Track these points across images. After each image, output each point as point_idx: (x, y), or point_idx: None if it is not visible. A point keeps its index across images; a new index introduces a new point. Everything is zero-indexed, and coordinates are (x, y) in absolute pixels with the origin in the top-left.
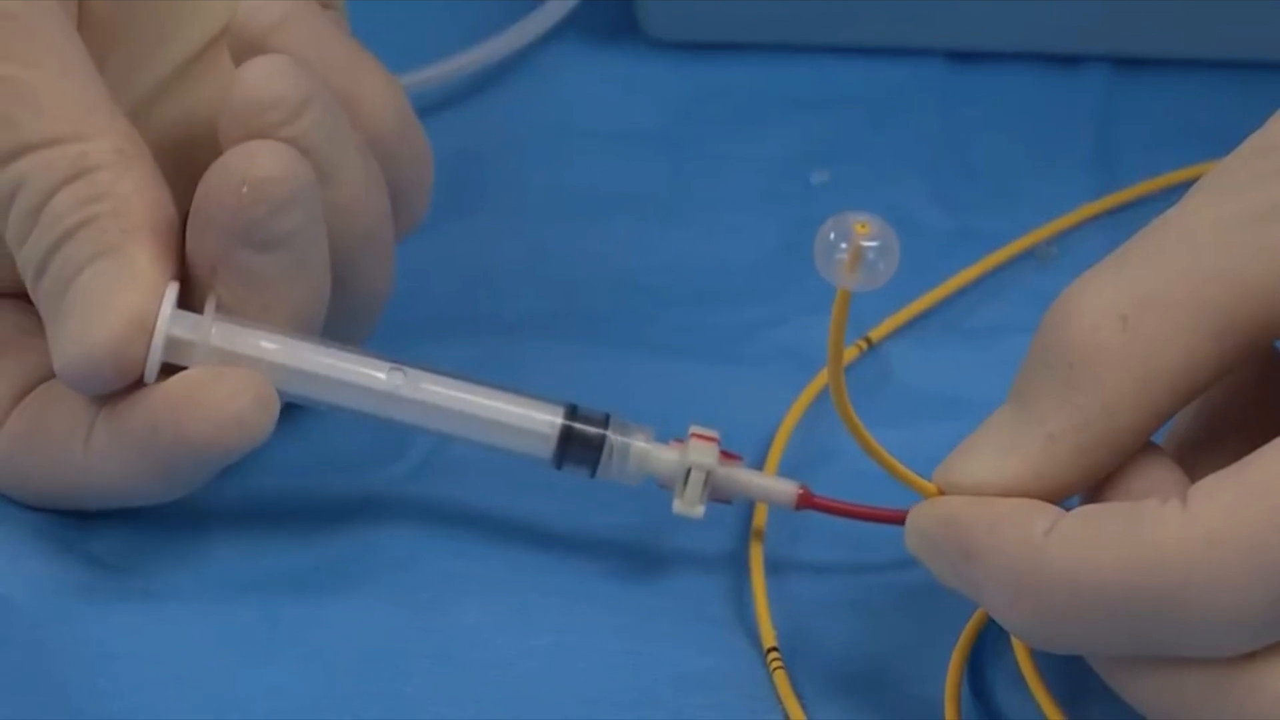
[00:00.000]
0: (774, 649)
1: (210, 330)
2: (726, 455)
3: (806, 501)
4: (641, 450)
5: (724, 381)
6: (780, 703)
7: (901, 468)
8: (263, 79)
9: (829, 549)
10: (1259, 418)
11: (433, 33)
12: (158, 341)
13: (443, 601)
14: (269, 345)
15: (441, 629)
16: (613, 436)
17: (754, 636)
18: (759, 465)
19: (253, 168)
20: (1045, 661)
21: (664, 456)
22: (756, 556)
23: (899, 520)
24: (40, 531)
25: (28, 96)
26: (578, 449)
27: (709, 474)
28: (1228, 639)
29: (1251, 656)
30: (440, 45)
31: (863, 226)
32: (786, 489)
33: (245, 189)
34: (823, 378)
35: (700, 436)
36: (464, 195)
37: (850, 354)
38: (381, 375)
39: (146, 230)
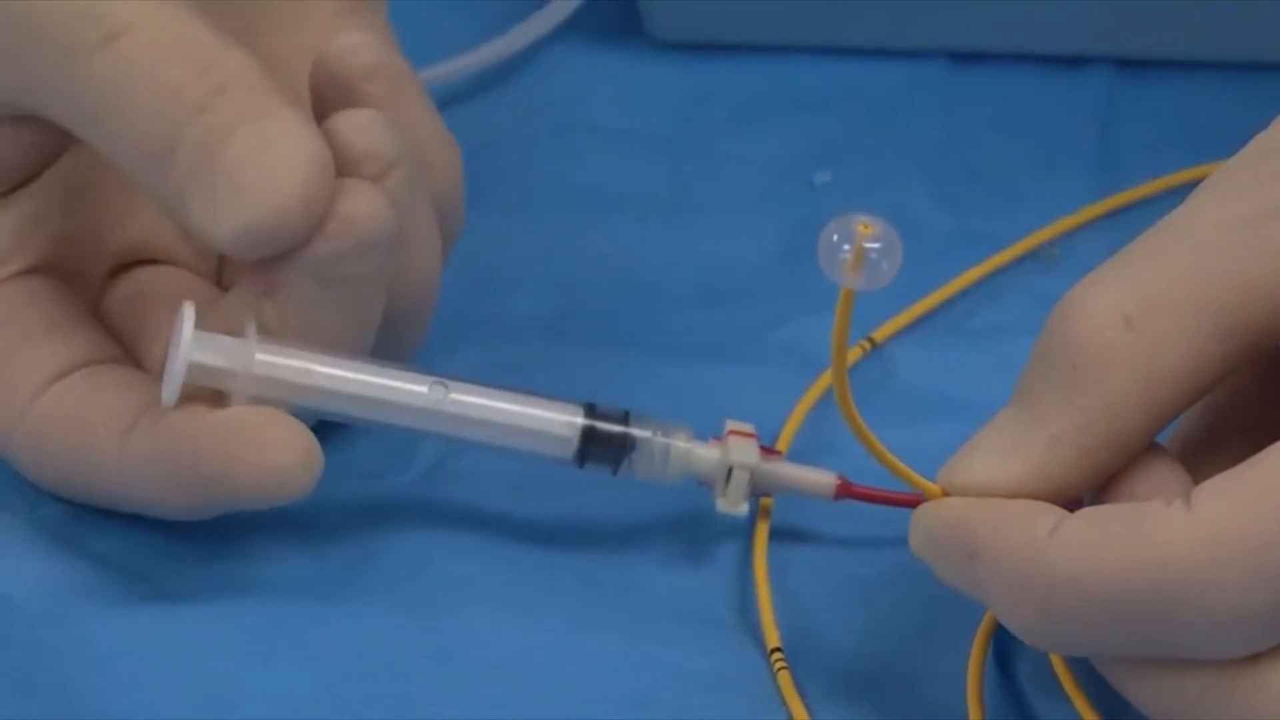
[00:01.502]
0: (777, 649)
1: (253, 359)
2: (766, 450)
3: (845, 491)
4: (683, 450)
5: (726, 381)
6: (784, 703)
7: (905, 468)
8: (358, 132)
9: (832, 549)
10: (1262, 419)
11: (435, 32)
12: (179, 366)
13: (444, 603)
14: (311, 374)
15: (443, 630)
16: (655, 438)
17: (757, 636)
18: None
19: (345, 203)
20: (1078, 662)
21: (706, 455)
22: (760, 556)
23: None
24: (41, 531)
25: None
26: (600, 448)
27: (751, 472)
28: (1231, 640)
29: (1255, 658)
30: (443, 45)
31: (866, 227)
32: (825, 480)
33: (332, 223)
34: (826, 378)
35: (738, 433)
36: (466, 194)
37: (853, 355)
38: (424, 390)
39: (282, 95)
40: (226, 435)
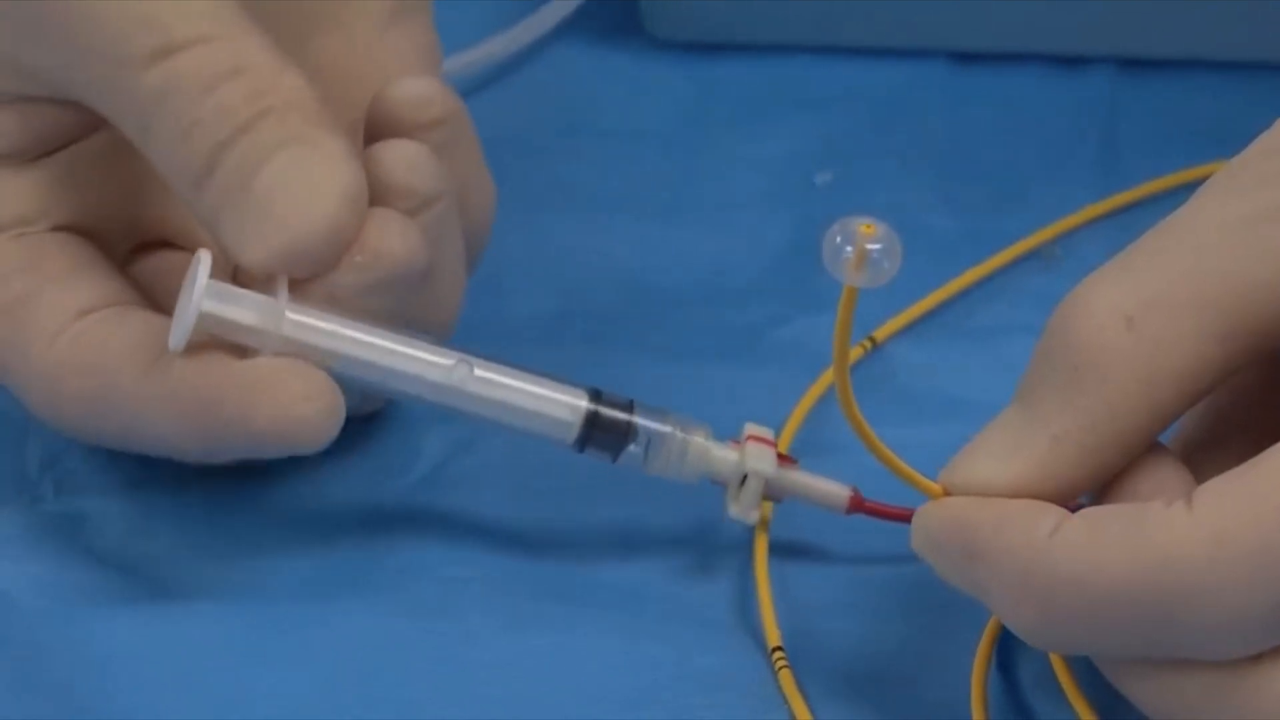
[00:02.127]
0: (779, 648)
1: (284, 317)
2: (782, 458)
3: (857, 505)
4: (701, 448)
5: (728, 381)
6: (786, 702)
7: (906, 468)
8: (401, 165)
9: (834, 548)
10: (1265, 419)
11: (437, 31)
12: (189, 318)
13: (445, 605)
14: (338, 337)
15: (443, 631)
16: (675, 433)
17: (758, 636)
18: None
19: (376, 236)
20: (1079, 661)
21: (723, 457)
22: (761, 555)
23: None
24: (42, 530)
25: (170, 2)
26: (603, 434)
27: (766, 481)
28: (1232, 641)
29: (1256, 659)
30: (444, 43)
31: (867, 228)
32: (839, 492)
33: (361, 255)
34: (826, 377)
35: (757, 439)
36: None
37: (855, 354)
38: (450, 363)
39: (327, 122)
40: (250, 380)
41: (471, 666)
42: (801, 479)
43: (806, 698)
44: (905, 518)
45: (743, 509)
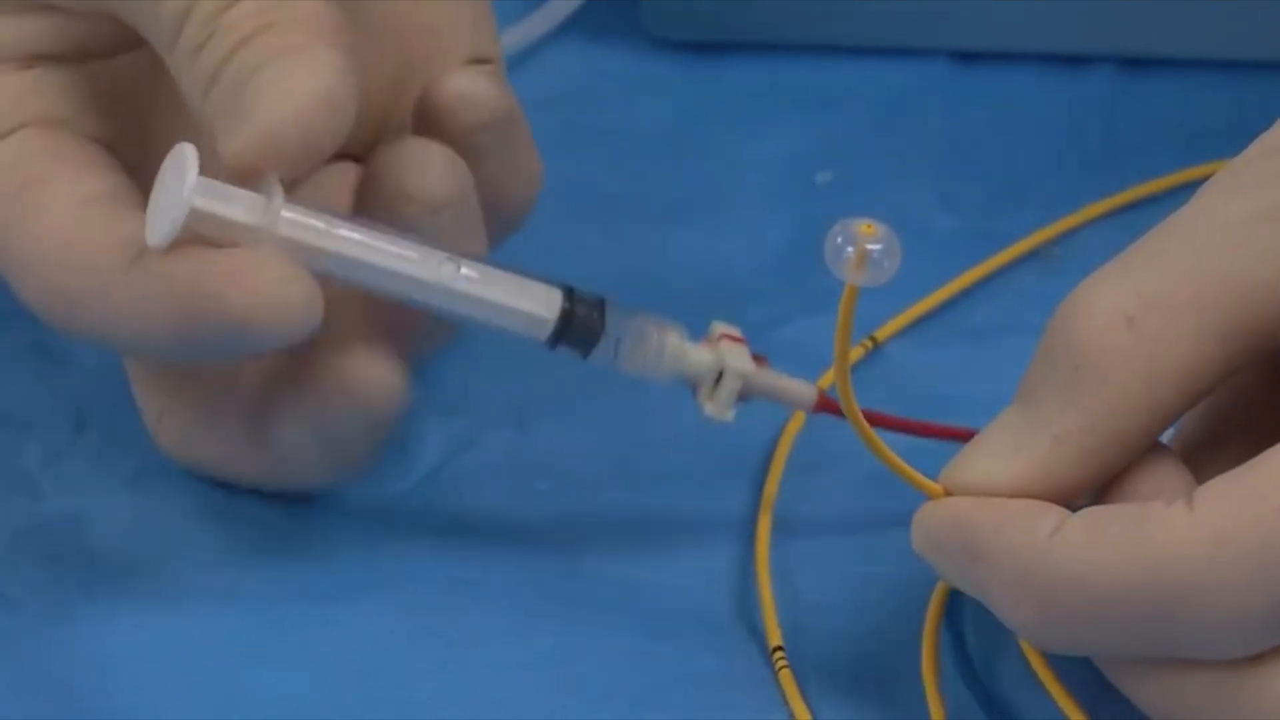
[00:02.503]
0: (779, 648)
1: (279, 217)
2: (755, 357)
3: (824, 405)
4: (676, 346)
5: None
6: (786, 702)
7: (907, 467)
8: (418, 173)
9: (835, 547)
10: (1265, 419)
11: None
12: (179, 213)
13: (446, 606)
14: (334, 237)
15: (445, 633)
16: (650, 329)
17: (759, 636)
18: (764, 464)
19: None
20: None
21: (699, 357)
22: (762, 554)
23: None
24: (41, 530)
25: None
26: (578, 333)
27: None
28: (1232, 641)
29: (1257, 659)
30: None
31: (868, 229)
32: (807, 391)
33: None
34: (827, 377)
35: (730, 337)
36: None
37: (855, 353)
38: (436, 261)
39: (330, 37)
40: (229, 265)
41: (472, 667)
42: (771, 378)
43: (807, 697)
44: (872, 421)
45: (718, 407)
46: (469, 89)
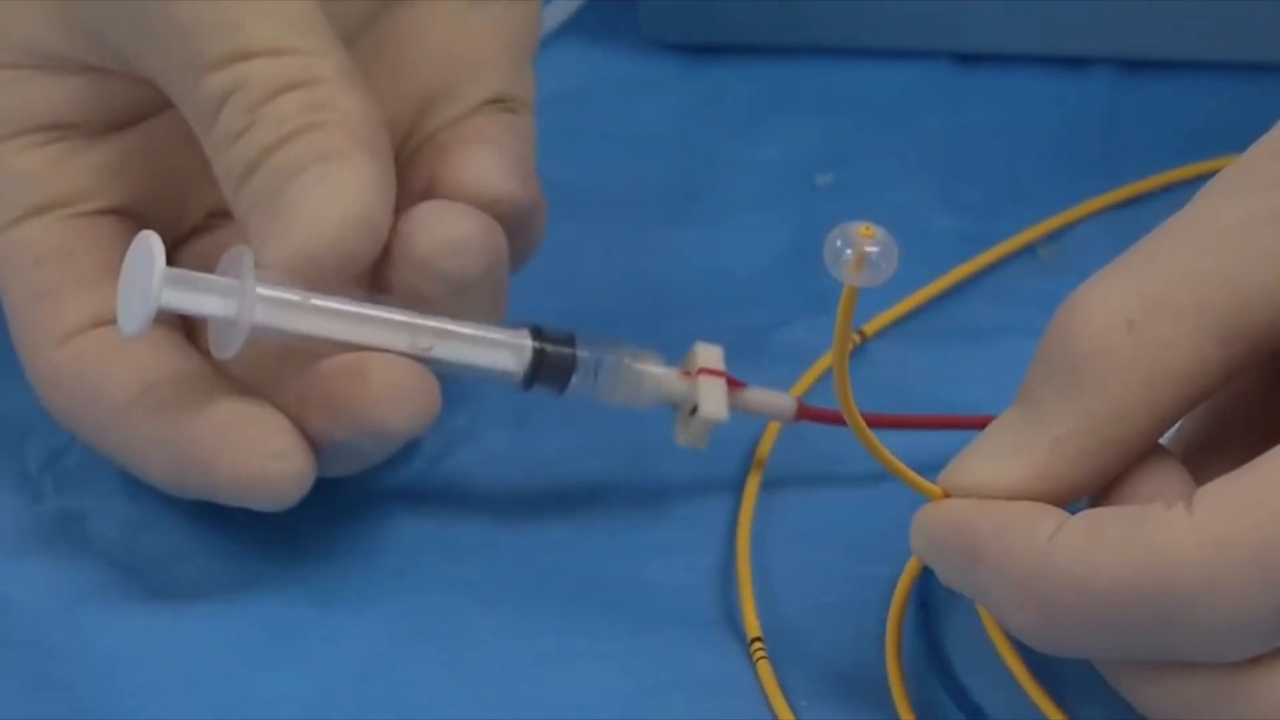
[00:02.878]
0: (757, 639)
1: (255, 307)
2: (733, 383)
3: (804, 413)
4: (654, 377)
5: None
6: (764, 696)
7: (905, 469)
8: (444, 254)
9: (826, 545)
10: (1266, 422)
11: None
12: (150, 307)
13: (444, 606)
14: (307, 313)
15: (442, 633)
16: (628, 363)
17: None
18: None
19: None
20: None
21: (678, 388)
22: (743, 549)
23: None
24: (43, 532)
25: (253, 5)
26: (550, 371)
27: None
28: (1232, 644)
29: (1256, 662)
30: None
31: (866, 231)
32: (786, 404)
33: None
34: (814, 371)
35: (709, 371)
36: None
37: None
38: (409, 340)
39: (371, 145)
40: (223, 427)
41: (471, 668)
42: (751, 397)
43: (789, 693)
44: (840, 420)
45: (693, 438)
46: (476, 174)
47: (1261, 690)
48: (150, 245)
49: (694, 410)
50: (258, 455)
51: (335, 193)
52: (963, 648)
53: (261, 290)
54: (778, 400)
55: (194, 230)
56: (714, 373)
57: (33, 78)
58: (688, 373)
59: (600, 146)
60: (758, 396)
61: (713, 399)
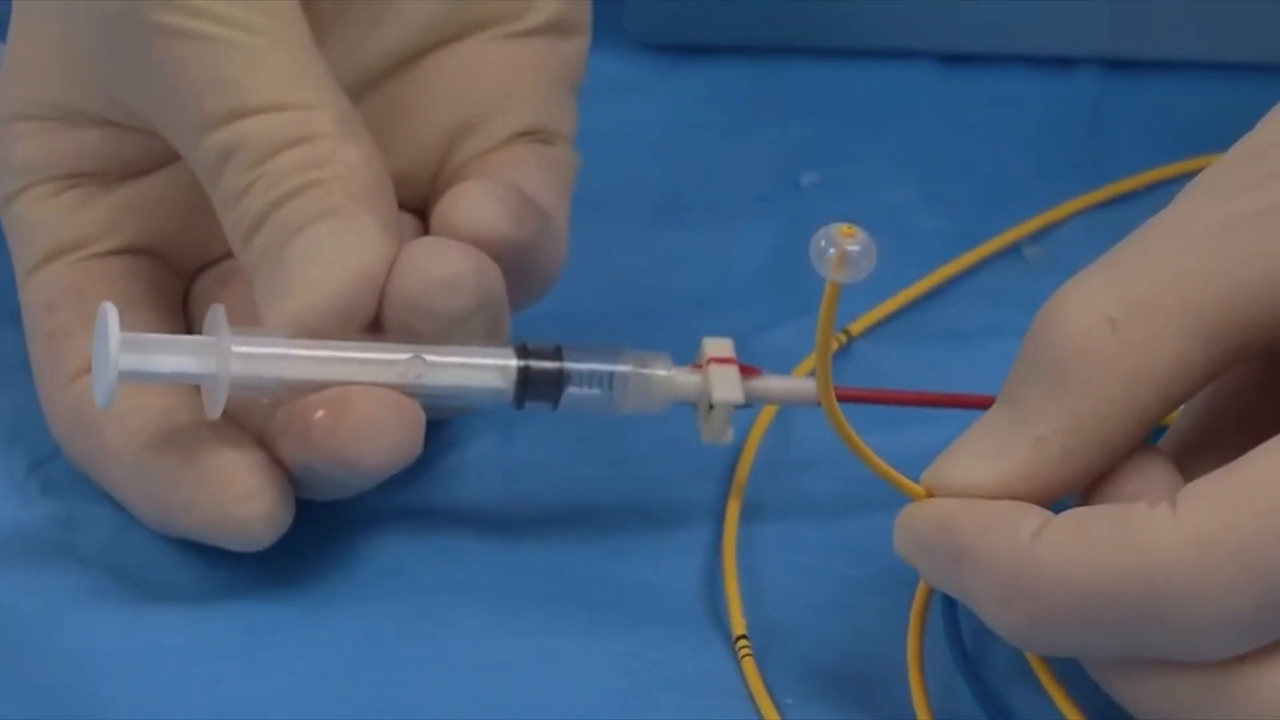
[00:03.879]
0: (743, 636)
1: (229, 365)
2: (746, 369)
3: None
4: (665, 379)
5: None
6: (749, 694)
7: (889, 469)
8: (434, 293)
9: (816, 547)
10: (1256, 419)
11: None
12: (111, 375)
13: (433, 606)
14: (287, 362)
15: (432, 633)
16: (634, 370)
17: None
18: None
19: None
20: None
21: (690, 386)
22: (729, 546)
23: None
24: (32, 535)
25: (251, 62)
26: (540, 386)
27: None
28: (1217, 642)
29: (1242, 660)
30: None
31: (847, 231)
32: (808, 388)
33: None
34: (796, 372)
35: (719, 360)
36: None
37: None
38: (397, 375)
39: (371, 200)
40: (201, 470)
41: (460, 668)
42: (770, 385)
43: (772, 691)
44: (863, 399)
45: (715, 432)
46: (468, 213)
47: (1248, 688)
48: (106, 316)
49: (711, 405)
50: (226, 498)
51: (333, 252)
52: (985, 648)
53: (236, 347)
54: (798, 385)
55: (225, 256)
56: (724, 360)
57: (56, 129)
58: (698, 366)
59: (586, 147)
60: (777, 383)
61: (726, 385)
